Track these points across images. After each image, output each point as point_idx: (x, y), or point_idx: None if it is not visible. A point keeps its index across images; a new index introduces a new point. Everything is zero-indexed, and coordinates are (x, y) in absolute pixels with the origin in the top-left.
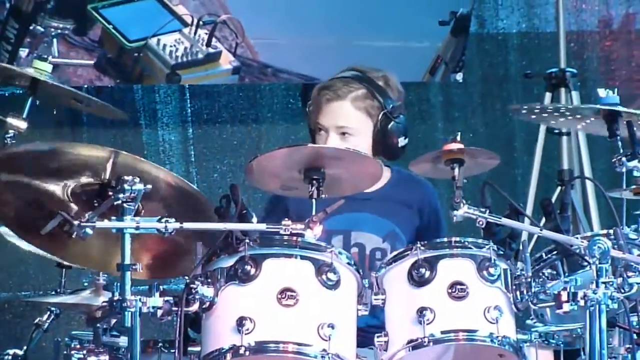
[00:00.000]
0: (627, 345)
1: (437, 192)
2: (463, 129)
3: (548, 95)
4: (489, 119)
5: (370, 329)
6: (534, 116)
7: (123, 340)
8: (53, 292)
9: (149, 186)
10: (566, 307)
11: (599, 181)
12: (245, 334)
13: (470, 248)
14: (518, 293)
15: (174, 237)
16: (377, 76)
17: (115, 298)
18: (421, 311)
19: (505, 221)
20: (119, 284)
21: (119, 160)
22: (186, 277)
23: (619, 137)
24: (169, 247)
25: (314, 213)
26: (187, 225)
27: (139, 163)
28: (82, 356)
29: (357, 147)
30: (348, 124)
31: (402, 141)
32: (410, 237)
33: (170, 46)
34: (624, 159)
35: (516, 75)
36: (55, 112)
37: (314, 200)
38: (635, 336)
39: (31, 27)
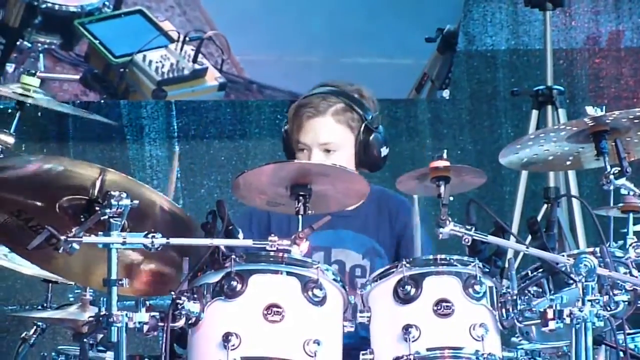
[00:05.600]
0: None
1: (413, 207)
2: (451, 146)
3: (535, 113)
4: (478, 136)
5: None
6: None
7: (109, 356)
8: (39, 307)
9: (136, 202)
10: (552, 324)
11: (586, 199)
12: (231, 350)
13: (456, 265)
14: (504, 311)
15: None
16: (352, 89)
17: (102, 313)
18: (407, 328)
19: (491, 239)
20: (105, 299)
21: (107, 178)
22: (172, 293)
23: (606, 155)
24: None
25: (300, 229)
26: (174, 240)
27: (127, 182)
28: None
29: (340, 161)
30: (331, 140)
31: (384, 151)
32: (391, 252)
33: (156, 62)
34: (611, 176)
35: (505, 92)
36: (42, 127)
37: (300, 217)
38: (621, 354)
39: (18, 43)
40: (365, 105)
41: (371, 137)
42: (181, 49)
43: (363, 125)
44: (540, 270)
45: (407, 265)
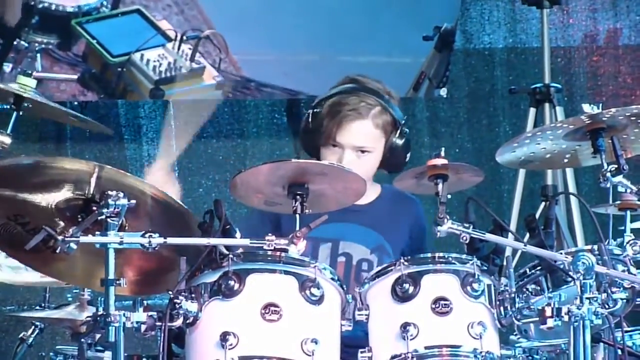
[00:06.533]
0: None
1: (422, 209)
2: (449, 145)
3: (532, 111)
4: (475, 135)
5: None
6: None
7: (107, 355)
8: (37, 307)
9: (133, 201)
10: (550, 322)
11: (584, 197)
12: (229, 349)
13: (454, 263)
14: (502, 309)
15: (158, 252)
16: (381, 88)
17: (100, 313)
18: (405, 327)
19: (489, 237)
20: (103, 299)
21: (102, 174)
22: (170, 292)
23: (603, 153)
24: (154, 262)
25: (297, 228)
26: (171, 240)
27: (122, 177)
28: None
29: (371, 162)
30: (368, 143)
31: (407, 156)
32: (398, 253)
33: (154, 61)
34: (608, 174)
35: (502, 90)
36: (39, 127)
37: (297, 216)
38: (619, 352)
39: (15, 42)
40: (397, 108)
41: (402, 142)
42: (179, 48)
43: (398, 132)
44: (539, 268)
45: (405, 263)
